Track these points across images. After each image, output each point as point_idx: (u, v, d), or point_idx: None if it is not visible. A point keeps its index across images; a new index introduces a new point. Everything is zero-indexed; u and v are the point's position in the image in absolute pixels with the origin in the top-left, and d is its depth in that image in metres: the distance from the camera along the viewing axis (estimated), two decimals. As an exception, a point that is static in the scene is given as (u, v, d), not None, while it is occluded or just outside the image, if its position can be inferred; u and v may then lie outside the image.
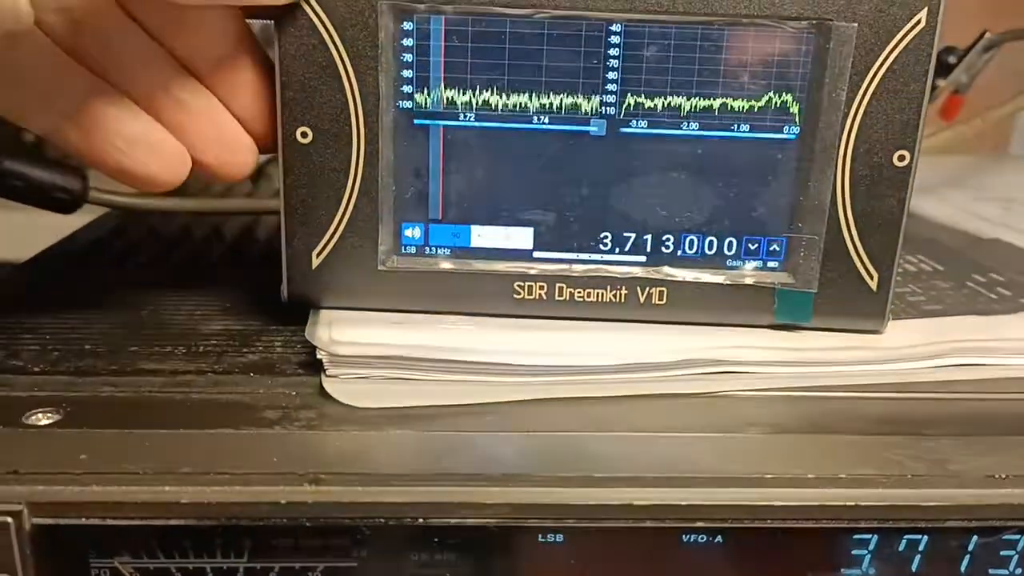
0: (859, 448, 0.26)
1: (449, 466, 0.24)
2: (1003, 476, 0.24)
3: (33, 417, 0.26)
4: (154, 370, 0.29)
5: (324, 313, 0.32)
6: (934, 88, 0.53)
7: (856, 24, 0.30)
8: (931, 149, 0.48)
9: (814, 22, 0.30)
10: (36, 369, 0.29)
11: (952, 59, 0.54)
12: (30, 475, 0.23)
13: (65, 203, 0.41)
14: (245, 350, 0.31)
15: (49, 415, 0.26)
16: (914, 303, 0.36)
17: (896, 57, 0.30)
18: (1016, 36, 0.54)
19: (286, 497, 0.23)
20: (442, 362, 0.29)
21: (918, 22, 0.30)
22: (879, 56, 0.30)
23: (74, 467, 0.23)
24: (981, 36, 0.53)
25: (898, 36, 0.30)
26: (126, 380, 0.29)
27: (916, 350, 0.31)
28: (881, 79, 0.30)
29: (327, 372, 0.29)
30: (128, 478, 0.23)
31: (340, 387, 0.28)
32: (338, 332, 0.30)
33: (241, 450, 0.25)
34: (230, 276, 0.39)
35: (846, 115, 0.31)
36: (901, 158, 0.31)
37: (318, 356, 0.29)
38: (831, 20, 0.30)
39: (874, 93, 0.30)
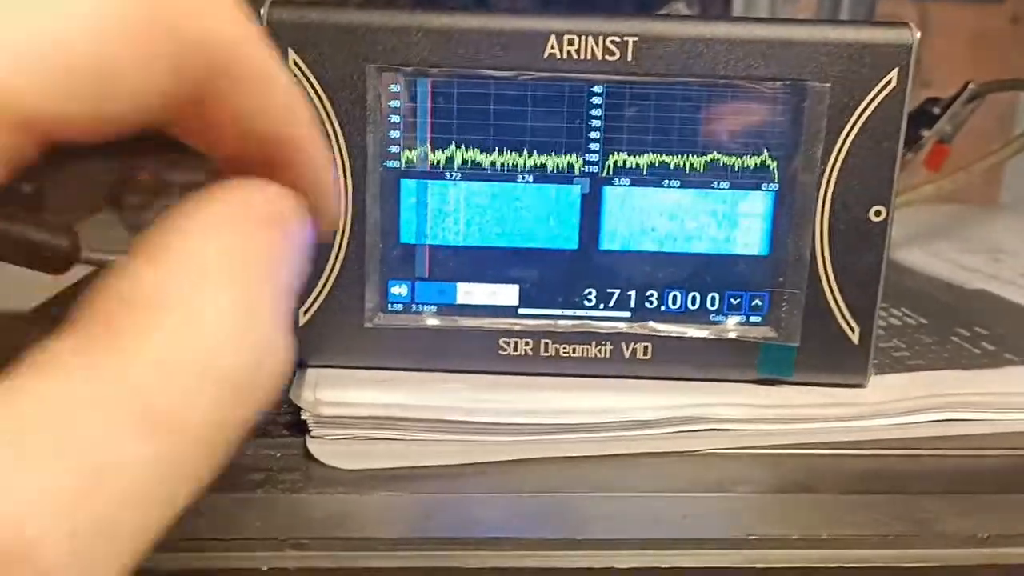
0: (843, 507, 0.26)
1: (434, 529, 0.24)
2: (986, 536, 0.24)
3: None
4: (139, 432, 0.29)
5: (309, 373, 0.32)
6: (919, 138, 0.54)
7: (829, 84, 0.30)
8: (916, 201, 0.48)
9: (788, 82, 0.31)
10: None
11: (936, 109, 0.55)
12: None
13: (56, 263, 0.42)
14: (231, 410, 0.31)
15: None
16: (898, 358, 0.36)
17: (869, 115, 0.31)
18: (999, 87, 0.55)
19: (268, 563, 0.23)
20: (428, 421, 0.29)
21: (889, 82, 0.30)
22: (853, 115, 0.31)
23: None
24: (965, 87, 0.54)
25: (870, 95, 0.31)
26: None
27: (900, 405, 0.31)
28: (855, 137, 0.31)
29: (312, 433, 0.29)
30: (109, 545, 0.23)
31: (325, 448, 0.28)
32: (323, 392, 0.30)
33: (223, 514, 0.25)
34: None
35: (823, 172, 0.31)
36: (878, 213, 0.31)
37: (303, 417, 0.29)
38: (805, 80, 0.31)
39: (849, 150, 0.31)
